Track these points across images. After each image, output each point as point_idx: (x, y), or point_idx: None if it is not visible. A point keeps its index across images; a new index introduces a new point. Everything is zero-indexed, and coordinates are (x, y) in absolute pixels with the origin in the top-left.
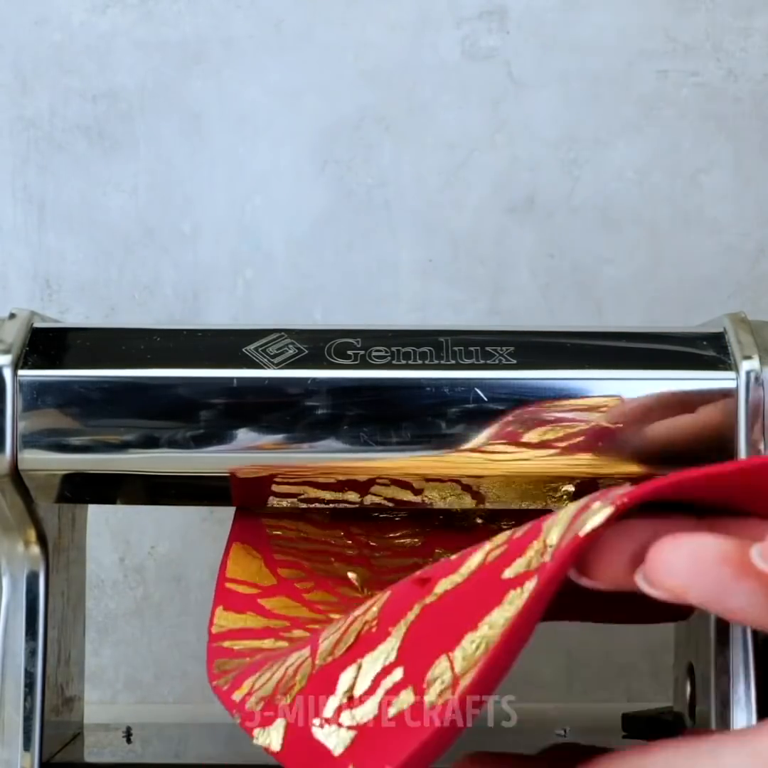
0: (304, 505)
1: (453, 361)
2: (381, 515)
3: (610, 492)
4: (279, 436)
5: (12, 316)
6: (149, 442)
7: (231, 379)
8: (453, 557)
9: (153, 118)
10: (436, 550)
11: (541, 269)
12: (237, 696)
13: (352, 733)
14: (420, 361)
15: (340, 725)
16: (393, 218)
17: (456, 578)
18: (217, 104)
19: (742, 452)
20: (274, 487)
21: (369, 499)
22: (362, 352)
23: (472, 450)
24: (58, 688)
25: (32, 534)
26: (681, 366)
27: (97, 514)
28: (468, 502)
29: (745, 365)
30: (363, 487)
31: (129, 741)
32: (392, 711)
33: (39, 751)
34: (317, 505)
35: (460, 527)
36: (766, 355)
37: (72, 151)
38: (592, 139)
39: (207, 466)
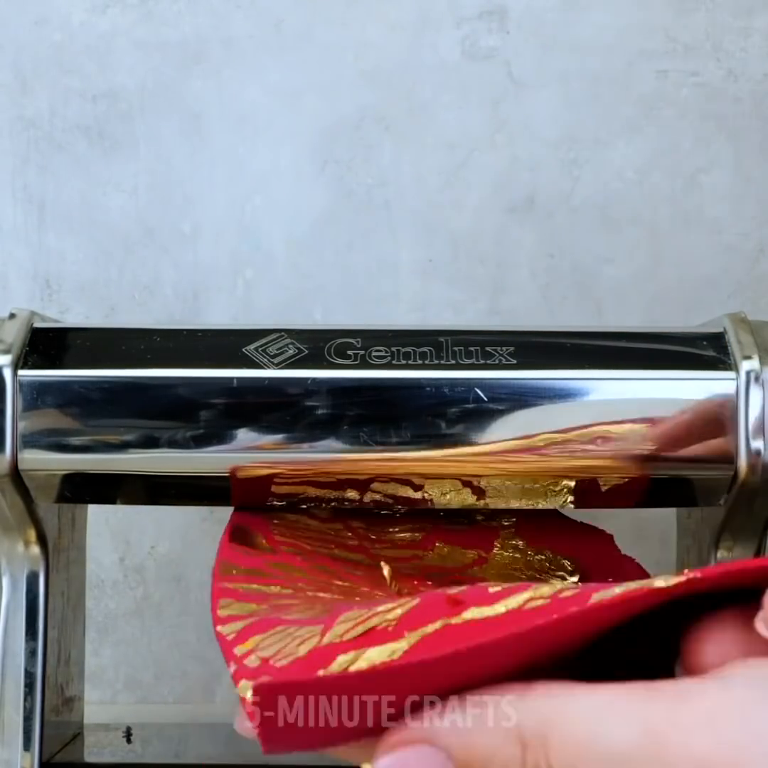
0: (304, 505)
1: (453, 361)
2: (382, 512)
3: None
4: (279, 436)
5: (12, 316)
6: (149, 442)
7: (231, 379)
8: (492, 589)
9: (153, 118)
10: (436, 544)
11: (541, 269)
12: (239, 650)
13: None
14: (420, 361)
15: None
16: (393, 218)
17: (488, 612)
18: (217, 104)
19: (742, 452)
20: (274, 487)
21: (369, 497)
22: (362, 352)
23: (472, 450)
24: (58, 688)
25: (32, 534)
26: (681, 366)
27: (97, 514)
28: (468, 497)
29: (745, 365)
30: (363, 484)
31: (129, 741)
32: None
33: (39, 751)
34: (320, 491)
35: (461, 523)
36: (766, 355)
37: (72, 151)
38: (592, 139)
39: (207, 466)
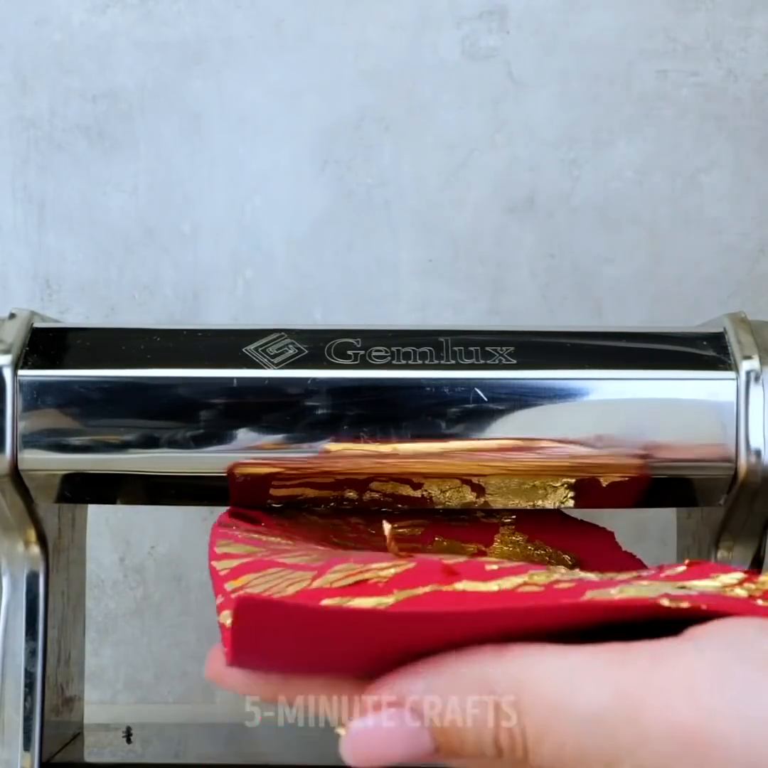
0: (304, 506)
1: (453, 361)
2: (381, 510)
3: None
4: (279, 436)
5: (12, 316)
6: (149, 442)
7: (231, 379)
8: (489, 567)
9: (153, 118)
10: (436, 538)
11: (541, 269)
12: (230, 586)
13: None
14: (420, 361)
15: None
16: (393, 218)
17: (481, 587)
18: (217, 104)
19: (742, 452)
20: (274, 488)
21: (368, 496)
22: (362, 352)
23: (472, 449)
24: (58, 688)
25: (32, 534)
26: (681, 366)
27: (97, 514)
28: (468, 495)
29: (745, 365)
30: (362, 483)
31: (129, 741)
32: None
33: (39, 751)
34: (319, 492)
35: (460, 520)
36: (766, 355)
37: (72, 151)
38: (592, 139)
39: (207, 466)
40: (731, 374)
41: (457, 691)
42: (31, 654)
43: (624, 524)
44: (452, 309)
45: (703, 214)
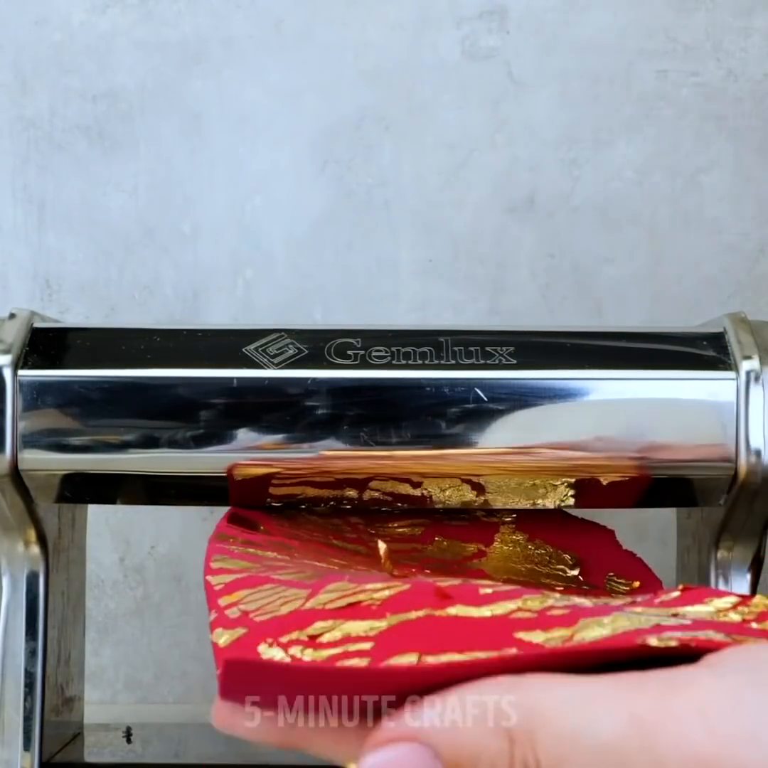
0: (303, 505)
1: (453, 361)
2: (382, 509)
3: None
4: (279, 436)
5: (12, 316)
6: (149, 442)
7: (231, 379)
8: (483, 590)
9: (153, 118)
10: (436, 538)
11: (541, 269)
12: (223, 601)
13: (287, 661)
14: (420, 361)
15: (285, 651)
16: (393, 218)
17: (474, 612)
18: (217, 104)
19: (742, 452)
20: (274, 487)
21: (368, 494)
22: (362, 352)
23: (472, 449)
24: (58, 688)
25: (32, 534)
26: (681, 366)
27: (97, 514)
28: (468, 493)
29: (745, 365)
30: (362, 482)
31: (129, 741)
32: (339, 665)
33: (39, 751)
34: (319, 492)
35: (461, 519)
36: (766, 355)
37: (72, 151)
38: (592, 139)
39: (207, 466)
40: (731, 374)
41: (469, 723)
42: (31, 654)
43: (624, 524)
44: (452, 309)
45: (703, 214)
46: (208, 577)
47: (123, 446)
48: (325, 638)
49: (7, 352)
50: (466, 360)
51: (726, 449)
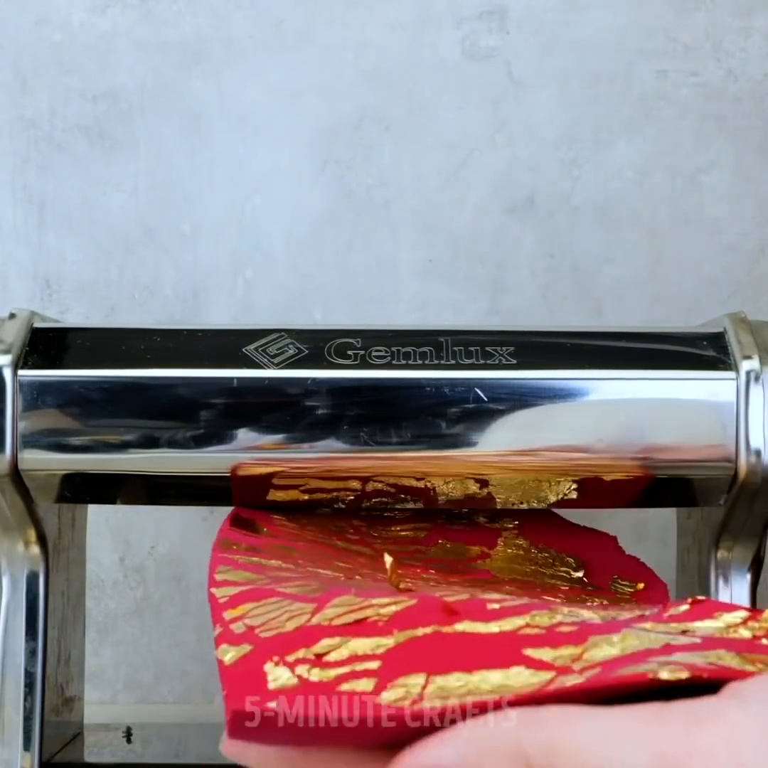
0: (305, 496)
1: (453, 361)
2: (384, 514)
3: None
4: (279, 436)
5: (12, 316)
6: (149, 442)
7: (231, 379)
8: (490, 606)
9: (153, 118)
10: (439, 541)
11: (541, 269)
12: (228, 615)
13: (295, 681)
14: (420, 361)
15: (291, 670)
16: (393, 218)
17: (481, 628)
18: (217, 104)
19: (742, 452)
20: (274, 487)
21: (371, 486)
22: (362, 352)
23: (472, 450)
24: (58, 688)
25: (32, 534)
26: (681, 366)
27: (97, 514)
28: (471, 486)
29: (745, 365)
30: (362, 482)
31: (129, 741)
32: (344, 687)
33: (39, 751)
34: (319, 495)
35: (463, 524)
36: (766, 355)
37: (72, 151)
38: (592, 139)
39: (207, 466)
40: (731, 374)
41: (490, 759)
42: (31, 654)
43: (624, 524)
44: (452, 309)
45: (703, 214)
46: (213, 590)
47: (123, 446)
48: (332, 657)
49: (7, 352)
50: (466, 360)
51: (726, 449)
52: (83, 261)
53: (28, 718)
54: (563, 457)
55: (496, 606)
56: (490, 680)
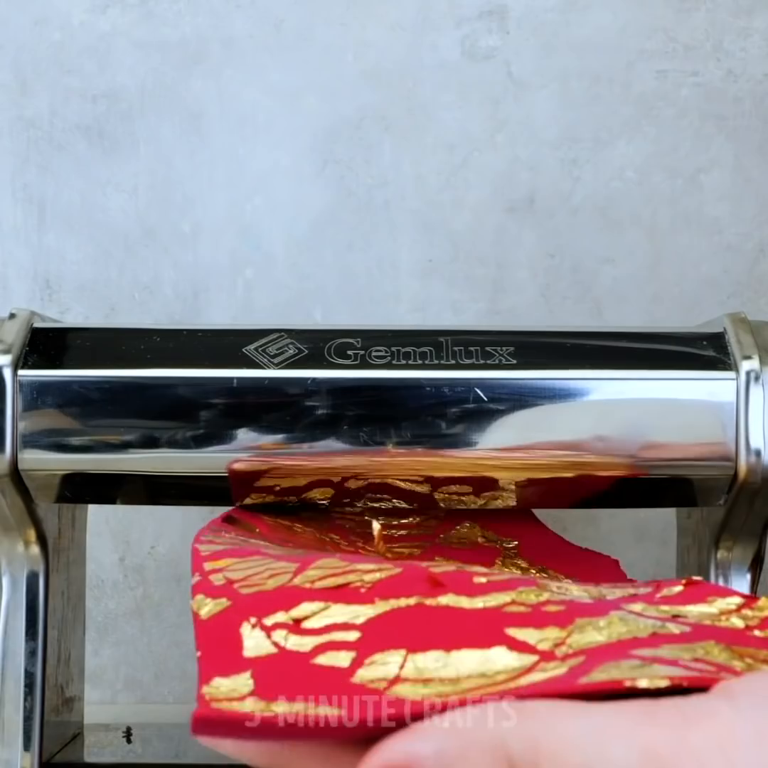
0: (303, 514)
1: (453, 361)
2: (383, 533)
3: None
4: (279, 437)
5: (12, 316)
6: (149, 442)
7: (231, 379)
8: (477, 579)
9: (153, 118)
10: (436, 558)
11: (541, 269)
12: (209, 566)
13: (271, 650)
14: (420, 361)
15: (268, 636)
16: (393, 218)
17: (465, 603)
18: (217, 104)
19: (742, 452)
20: (274, 487)
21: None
22: (362, 352)
23: (472, 450)
24: (58, 688)
25: (32, 534)
26: (681, 366)
27: (97, 514)
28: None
29: (745, 365)
30: (362, 482)
31: (129, 741)
32: (320, 660)
33: (39, 751)
34: (317, 495)
35: (461, 544)
36: (766, 355)
37: (72, 151)
38: (592, 139)
39: (207, 466)
40: (731, 374)
41: (470, 754)
42: (31, 654)
43: (624, 524)
44: (452, 309)
45: (703, 214)
46: (196, 545)
47: (123, 446)
48: (311, 623)
49: (7, 352)
50: (466, 360)
51: (726, 449)
52: (83, 261)
53: (28, 718)
54: (563, 457)
55: (483, 579)
56: (468, 663)
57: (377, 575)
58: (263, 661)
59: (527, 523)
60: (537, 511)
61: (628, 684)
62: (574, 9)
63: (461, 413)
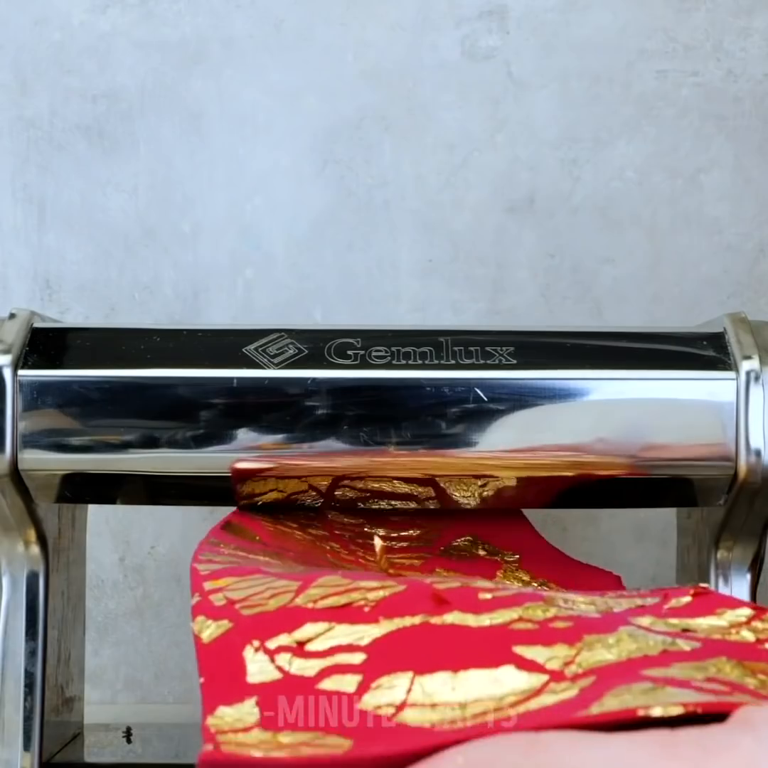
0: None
1: (453, 361)
2: (384, 544)
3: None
4: (279, 436)
5: (12, 316)
6: (149, 442)
7: (231, 379)
8: (483, 596)
9: (153, 118)
10: (437, 569)
11: (541, 269)
12: (209, 585)
13: (276, 675)
14: (420, 361)
15: (272, 660)
16: (393, 218)
17: (471, 621)
18: (217, 104)
19: (742, 452)
20: (274, 487)
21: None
22: (362, 352)
23: (472, 449)
24: (58, 688)
25: (32, 534)
26: (681, 366)
27: (97, 514)
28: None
29: (745, 365)
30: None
31: (129, 741)
32: (325, 685)
33: (39, 751)
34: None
35: (461, 556)
36: (766, 355)
37: (72, 151)
38: (592, 139)
39: (207, 466)
40: (731, 374)
41: None
42: (31, 654)
43: (624, 524)
44: (452, 309)
45: (703, 214)
46: (195, 565)
47: (123, 446)
48: (315, 646)
49: (7, 352)
50: (466, 360)
51: (726, 449)
52: (83, 261)
53: (28, 718)
54: (563, 457)
55: (488, 596)
56: (476, 684)
57: (381, 593)
58: (268, 688)
59: (528, 537)
60: (538, 513)
61: (641, 713)
62: (574, 9)
63: (461, 413)
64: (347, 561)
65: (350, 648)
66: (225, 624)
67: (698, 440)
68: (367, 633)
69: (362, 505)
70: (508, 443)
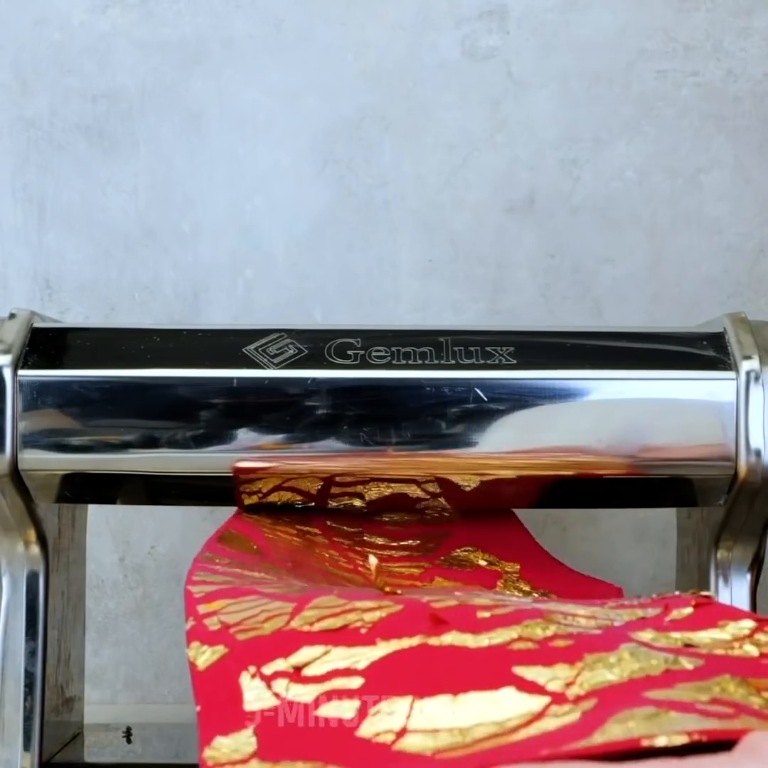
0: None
1: (453, 361)
2: (383, 551)
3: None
4: (279, 436)
5: (12, 316)
6: (149, 442)
7: (231, 379)
8: (481, 614)
9: (153, 118)
10: (436, 578)
11: (541, 269)
12: (203, 609)
13: (273, 701)
14: (420, 361)
15: (268, 686)
16: (393, 218)
17: (470, 641)
18: (217, 104)
19: (742, 452)
20: (274, 487)
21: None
22: (362, 352)
23: (472, 449)
24: (58, 688)
25: (32, 534)
26: (681, 366)
27: (97, 514)
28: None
29: (745, 365)
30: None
31: (129, 741)
32: (324, 711)
33: (39, 751)
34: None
35: (461, 566)
36: (766, 355)
37: (72, 151)
38: (592, 139)
39: (207, 466)
40: (731, 374)
41: None
42: (31, 654)
43: (624, 524)
44: (452, 309)
45: (703, 214)
46: (189, 587)
47: (123, 446)
48: (311, 671)
49: (7, 352)
50: (466, 360)
51: (726, 449)
52: (83, 261)
53: (28, 718)
54: (563, 457)
55: (487, 614)
56: (477, 708)
57: (378, 614)
58: (265, 715)
59: (528, 547)
60: (538, 513)
61: (645, 743)
62: (574, 9)
63: (461, 413)
64: (346, 569)
65: (348, 672)
66: (220, 649)
67: (698, 440)
68: (364, 656)
69: (362, 503)
70: (508, 443)
